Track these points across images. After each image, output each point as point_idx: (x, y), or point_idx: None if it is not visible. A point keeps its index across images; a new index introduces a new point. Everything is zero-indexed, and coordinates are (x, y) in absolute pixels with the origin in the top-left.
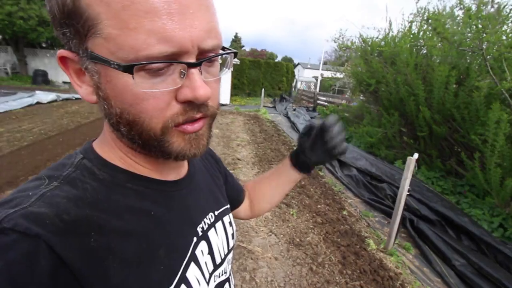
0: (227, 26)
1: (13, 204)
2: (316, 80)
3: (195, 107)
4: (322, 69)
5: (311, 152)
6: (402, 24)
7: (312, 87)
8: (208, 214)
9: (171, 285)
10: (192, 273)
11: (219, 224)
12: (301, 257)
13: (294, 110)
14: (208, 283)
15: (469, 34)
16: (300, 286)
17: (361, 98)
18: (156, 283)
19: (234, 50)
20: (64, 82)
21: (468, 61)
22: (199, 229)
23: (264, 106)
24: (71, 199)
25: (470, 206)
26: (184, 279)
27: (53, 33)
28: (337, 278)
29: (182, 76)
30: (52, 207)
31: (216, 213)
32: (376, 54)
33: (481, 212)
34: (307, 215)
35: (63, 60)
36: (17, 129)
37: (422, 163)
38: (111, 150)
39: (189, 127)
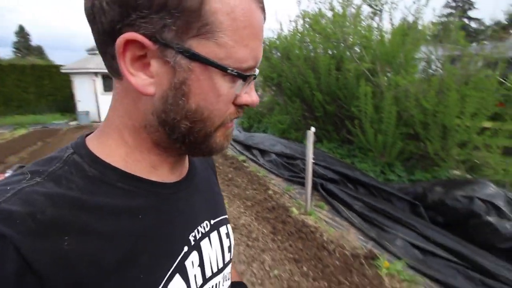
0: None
1: None
2: None
3: (243, 109)
4: None
5: None
6: (290, 25)
7: None
8: (203, 222)
9: None
10: (176, 285)
11: (214, 234)
12: (237, 238)
13: None
14: None
15: (336, 29)
16: (240, 261)
17: (271, 92)
18: None
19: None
20: None
21: (341, 50)
22: (191, 238)
23: None
24: (50, 197)
25: (360, 163)
26: None
27: None
28: (270, 245)
29: (242, 83)
30: (26, 205)
31: (213, 222)
32: (274, 52)
33: (366, 165)
34: (238, 202)
35: (128, 44)
36: None
37: (323, 138)
38: (112, 145)
39: (230, 124)
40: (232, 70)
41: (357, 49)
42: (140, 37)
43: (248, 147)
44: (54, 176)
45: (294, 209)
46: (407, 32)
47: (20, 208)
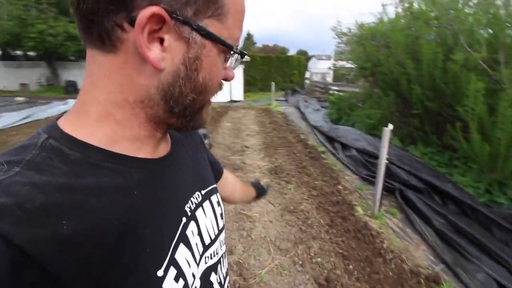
0: None
1: None
2: (330, 70)
3: (222, 85)
4: (336, 59)
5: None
6: (394, 8)
7: (327, 77)
8: (195, 193)
9: (160, 268)
10: (182, 254)
11: (206, 204)
12: (292, 220)
13: (306, 101)
14: (198, 264)
15: (439, 12)
16: (288, 240)
17: (366, 83)
18: (143, 266)
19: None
20: None
21: (452, 37)
22: (187, 209)
23: (276, 99)
24: (36, 186)
25: (460, 175)
26: (173, 261)
27: (79, 46)
28: (322, 235)
29: (225, 60)
30: (11, 196)
31: (203, 192)
32: (371, 38)
33: (467, 180)
34: (304, 189)
35: (152, 18)
36: None
37: (419, 140)
38: (95, 125)
39: (211, 100)
40: (236, 49)
41: (466, 35)
42: (164, 12)
43: (330, 139)
44: (33, 164)
45: (359, 209)
46: None
47: (5, 200)
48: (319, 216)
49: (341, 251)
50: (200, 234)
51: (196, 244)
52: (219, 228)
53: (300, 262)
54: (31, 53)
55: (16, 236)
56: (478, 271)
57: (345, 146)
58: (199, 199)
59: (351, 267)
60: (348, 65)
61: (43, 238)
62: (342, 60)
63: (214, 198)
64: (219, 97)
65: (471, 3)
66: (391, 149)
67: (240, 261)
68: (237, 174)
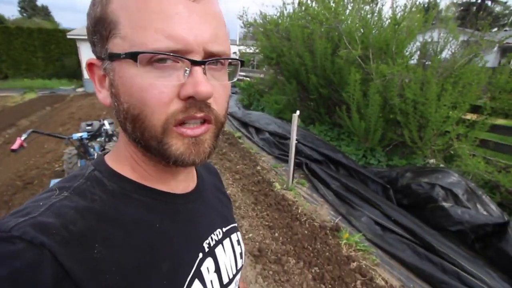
0: None
1: (24, 213)
2: (236, 55)
3: (196, 105)
4: (241, 45)
5: None
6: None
7: None
8: (215, 230)
9: None
10: None
11: (226, 242)
12: None
13: None
14: None
15: (328, 15)
16: None
17: (271, 70)
18: None
19: (241, 59)
20: None
21: (338, 35)
22: (205, 245)
23: None
24: (78, 210)
25: (346, 146)
26: None
27: None
28: (249, 213)
29: (186, 73)
30: (59, 217)
31: (224, 229)
32: (275, 30)
33: (350, 149)
34: (228, 174)
35: (90, 67)
36: None
37: (316, 120)
38: (123, 159)
39: (188, 131)
40: (123, 54)
41: (347, 35)
42: (93, 59)
43: (244, 124)
44: (78, 191)
45: (277, 184)
46: (402, 19)
47: (55, 220)
48: (245, 197)
49: (267, 223)
50: (218, 271)
51: (212, 281)
52: (238, 268)
53: None
54: None
55: (60, 253)
56: (362, 216)
57: (258, 130)
58: (220, 236)
59: (276, 234)
60: (253, 51)
61: (79, 259)
62: (248, 46)
63: (234, 237)
64: None
65: (350, 8)
66: (297, 130)
67: None
68: None
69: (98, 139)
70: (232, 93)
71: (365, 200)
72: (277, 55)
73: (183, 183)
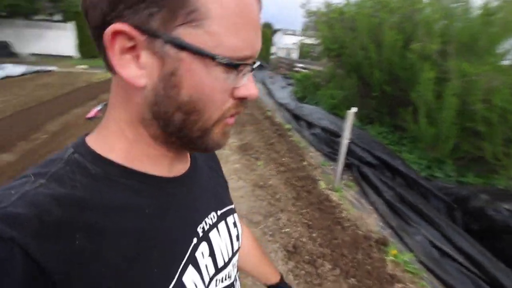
0: None
1: None
2: (296, 47)
3: (244, 103)
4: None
5: None
6: None
7: (293, 54)
8: (210, 214)
9: None
10: (190, 277)
11: (222, 225)
12: (262, 195)
13: (271, 77)
14: (207, 287)
15: (401, 2)
16: (259, 213)
17: (330, 63)
18: (151, 287)
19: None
20: (32, 54)
21: (412, 27)
22: (199, 230)
23: None
24: (56, 198)
25: (407, 153)
26: (180, 284)
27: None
28: (289, 208)
29: (244, 76)
30: (33, 207)
31: (219, 212)
32: (339, 20)
33: (413, 157)
34: (272, 165)
35: (116, 35)
36: None
37: (376, 120)
38: (113, 141)
39: (230, 120)
40: (222, 58)
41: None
42: (127, 27)
43: (296, 117)
44: (56, 177)
45: (322, 183)
46: (497, 9)
47: (26, 211)
48: (287, 190)
49: (306, 221)
50: (212, 255)
51: (206, 265)
52: (234, 251)
53: (270, 233)
54: None
55: (32, 247)
56: (417, 234)
57: (310, 124)
58: (214, 220)
59: (314, 235)
60: (314, 42)
61: (55, 252)
62: (309, 37)
63: (230, 219)
64: None
65: None
66: (351, 128)
67: None
68: None
69: None
70: (288, 84)
71: (423, 217)
72: (339, 46)
73: (178, 166)
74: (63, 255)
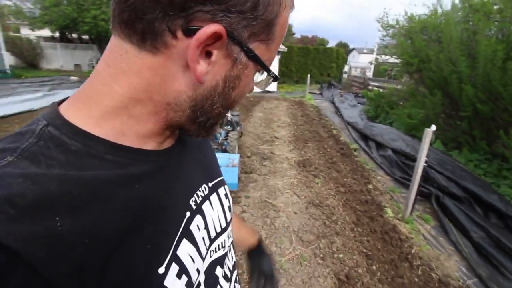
0: None
1: None
2: (371, 65)
3: None
4: (379, 54)
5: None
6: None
7: (367, 72)
8: (201, 186)
9: (161, 265)
10: (185, 250)
11: (213, 197)
12: (317, 213)
13: (341, 96)
14: (204, 259)
15: (500, 6)
16: (311, 232)
17: (410, 80)
18: (143, 264)
19: None
20: None
21: None
22: (192, 203)
23: (310, 92)
24: (29, 177)
25: (509, 187)
26: (175, 258)
27: None
28: (347, 232)
29: (257, 75)
30: (2, 190)
31: (210, 184)
32: (421, 32)
33: None
34: (332, 185)
35: (212, 34)
36: None
37: (464, 145)
38: (102, 115)
39: None
40: (272, 73)
41: None
42: (224, 31)
43: (364, 137)
44: (28, 154)
45: (389, 211)
46: None
47: None
48: (345, 213)
49: (365, 250)
50: (207, 228)
51: (203, 238)
52: (227, 221)
53: (321, 255)
54: (85, 37)
55: (4, 235)
56: None
57: (380, 145)
58: (206, 192)
59: (374, 267)
60: (392, 59)
61: (34, 237)
62: (386, 54)
63: (221, 191)
64: None
65: None
66: (431, 152)
67: None
68: (265, 163)
69: (225, 127)
70: (359, 103)
71: None
72: (420, 60)
73: (167, 140)
74: (45, 239)
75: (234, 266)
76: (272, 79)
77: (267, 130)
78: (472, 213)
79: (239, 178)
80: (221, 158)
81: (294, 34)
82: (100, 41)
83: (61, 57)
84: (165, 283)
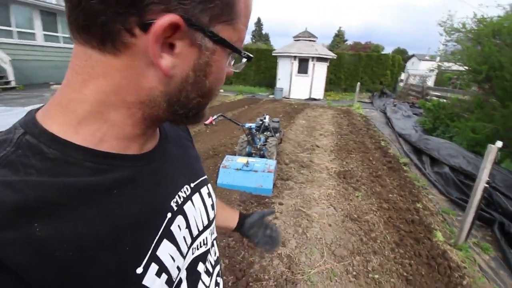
0: (329, 20)
1: None
2: (433, 72)
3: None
4: (442, 60)
5: (250, 231)
6: None
7: (427, 81)
8: (183, 187)
9: (139, 266)
10: (165, 250)
11: (196, 196)
12: (354, 228)
13: (395, 105)
14: (185, 257)
15: None
16: (345, 248)
17: (478, 90)
18: (122, 266)
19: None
20: None
21: None
22: (173, 204)
23: (360, 101)
24: (8, 184)
25: None
26: (154, 258)
27: None
28: (386, 252)
29: (231, 59)
30: None
31: (192, 185)
32: (492, 36)
33: None
34: (373, 200)
35: (168, 26)
36: None
37: None
38: (80, 123)
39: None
40: (244, 53)
41: None
42: (181, 20)
43: (417, 151)
44: (6, 162)
45: (439, 234)
46: None
47: None
48: (386, 231)
49: (406, 274)
50: (189, 227)
51: (184, 237)
52: (210, 219)
53: (354, 273)
54: None
55: None
56: None
57: (435, 161)
58: (188, 192)
59: None
60: (456, 67)
61: (13, 242)
62: (449, 61)
63: (204, 190)
64: (298, 95)
65: None
66: (498, 173)
67: (291, 255)
68: (303, 172)
69: (265, 133)
70: (414, 114)
71: None
72: (489, 67)
73: (148, 143)
74: (25, 244)
75: (217, 261)
76: (245, 59)
77: (309, 138)
78: None
79: (274, 184)
80: (258, 163)
81: (346, 41)
82: None
83: None
84: (144, 282)
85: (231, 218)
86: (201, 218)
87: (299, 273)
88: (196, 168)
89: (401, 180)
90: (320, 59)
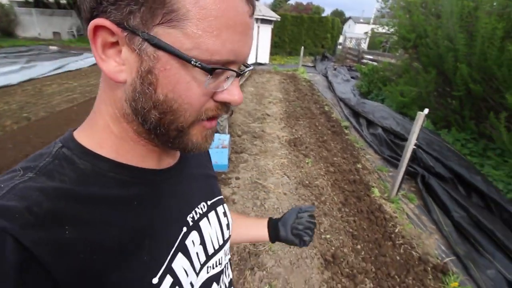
0: None
1: None
2: (367, 36)
3: (226, 107)
4: (375, 24)
5: (285, 231)
6: None
7: (362, 44)
8: (200, 204)
9: (155, 276)
10: (180, 263)
11: (212, 214)
12: (306, 194)
13: (335, 69)
14: (198, 274)
15: None
16: None
17: (405, 55)
18: (139, 274)
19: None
20: None
21: None
22: (189, 219)
23: (303, 65)
24: (44, 191)
25: (492, 168)
26: (170, 270)
27: None
28: (334, 213)
29: (227, 80)
30: (23, 200)
31: (209, 202)
32: (420, 5)
33: (500, 174)
34: (321, 165)
35: (98, 30)
36: (86, 84)
37: (454, 124)
38: (101, 137)
39: (208, 124)
40: (195, 62)
41: None
42: (108, 23)
43: (356, 114)
44: (45, 171)
45: (376, 191)
46: None
47: (17, 203)
48: (334, 193)
49: (351, 230)
50: (203, 244)
51: (197, 253)
52: (224, 239)
53: None
54: (62, 1)
55: (24, 237)
56: (489, 267)
57: (370, 123)
58: (204, 210)
59: (359, 246)
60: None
61: (46, 241)
62: (382, 25)
63: (220, 209)
64: None
65: None
66: (420, 132)
67: None
68: (256, 142)
69: None
70: (352, 77)
71: (502, 248)
72: (417, 36)
73: (167, 159)
74: (55, 244)
75: (231, 283)
76: (208, 74)
77: (259, 107)
78: (455, 193)
79: (229, 159)
80: None
81: (288, 0)
82: (79, 7)
83: (37, 24)
84: None
85: (255, 225)
86: (217, 236)
87: (260, 245)
88: (213, 187)
89: (343, 143)
90: (265, 21)
